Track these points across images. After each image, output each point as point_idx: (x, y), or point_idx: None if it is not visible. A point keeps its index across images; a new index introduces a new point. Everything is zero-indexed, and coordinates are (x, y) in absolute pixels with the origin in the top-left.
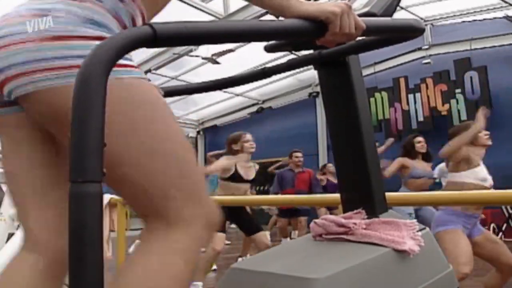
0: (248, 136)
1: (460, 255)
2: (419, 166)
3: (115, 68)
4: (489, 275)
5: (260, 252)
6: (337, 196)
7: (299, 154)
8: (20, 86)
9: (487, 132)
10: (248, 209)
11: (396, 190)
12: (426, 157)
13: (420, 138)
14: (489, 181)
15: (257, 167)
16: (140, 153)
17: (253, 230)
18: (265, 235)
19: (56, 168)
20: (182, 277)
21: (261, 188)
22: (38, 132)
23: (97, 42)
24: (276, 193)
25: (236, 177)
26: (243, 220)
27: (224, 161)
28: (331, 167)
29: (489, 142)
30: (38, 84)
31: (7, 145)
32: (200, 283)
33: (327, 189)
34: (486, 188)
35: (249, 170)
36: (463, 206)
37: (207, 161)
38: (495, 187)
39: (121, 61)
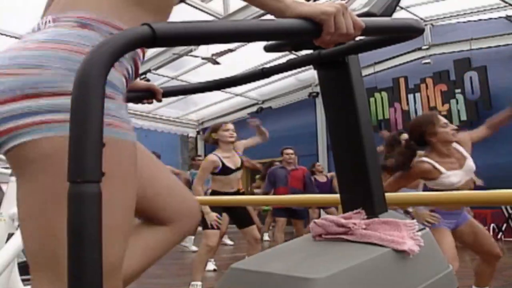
0: (229, 126)
1: (445, 252)
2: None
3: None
4: (480, 270)
5: (250, 245)
6: (336, 196)
7: (289, 151)
8: (5, 142)
9: (453, 127)
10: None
11: None
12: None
13: (405, 135)
14: (464, 179)
15: (238, 143)
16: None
17: (245, 223)
18: (255, 229)
19: None
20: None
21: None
22: None
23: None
24: (267, 193)
25: (226, 171)
26: (237, 212)
27: (198, 185)
28: (319, 166)
29: (453, 138)
30: (20, 138)
31: None
32: (199, 283)
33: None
34: (465, 183)
35: (234, 159)
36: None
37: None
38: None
39: (110, 119)
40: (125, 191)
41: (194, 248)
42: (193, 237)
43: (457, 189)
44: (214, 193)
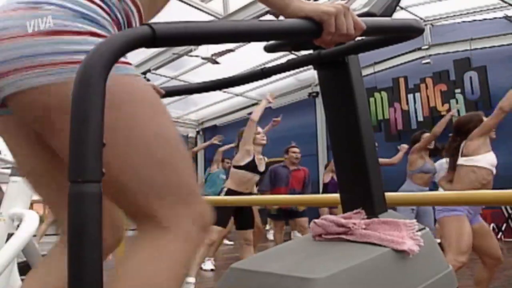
0: (259, 129)
1: (463, 245)
2: (429, 162)
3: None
4: (478, 272)
5: (241, 247)
6: (337, 196)
7: (296, 150)
8: (11, 84)
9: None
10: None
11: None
12: (435, 153)
13: (427, 135)
14: (494, 169)
15: (266, 160)
16: (131, 152)
17: (244, 225)
18: (250, 232)
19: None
20: (175, 278)
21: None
22: (31, 131)
23: (91, 38)
24: (264, 192)
25: (251, 166)
26: (243, 214)
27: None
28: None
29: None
30: (30, 81)
31: (13, 147)
32: (192, 279)
33: (328, 187)
34: (493, 175)
35: (261, 162)
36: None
37: (215, 156)
38: (495, 187)
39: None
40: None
41: None
42: None
43: (485, 187)
44: (229, 191)
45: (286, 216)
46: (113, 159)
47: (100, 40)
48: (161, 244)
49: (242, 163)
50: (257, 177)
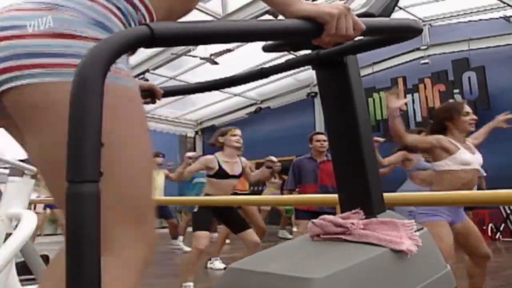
0: (237, 132)
1: (444, 250)
2: (422, 158)
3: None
4: (470, 271)
5: (249, 250)
6: (335, 196)
7: (321, 137)
8: (11, 79)
9: (473, 117)
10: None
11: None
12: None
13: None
14: (475, 164)
15: (246, 162)
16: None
17: (240, 228)
18: (253, 233)
19: None
20: None
21: (256, 188)
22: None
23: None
24: (291, 191)
25: (221, 174)
26: (230, 218)
27: (181, 169)
28: None
29: (471, 128)
30: (29, 79)
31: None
32: (191, 284)
33: None
34: (474, 171)
35: (235, 165)
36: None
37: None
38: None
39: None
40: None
41: (187, 248)
42: (182, 237)
43: (467, 186)
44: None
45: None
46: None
47: None
48: (105, 270)
49: (211, 173)
50: (234, 181)
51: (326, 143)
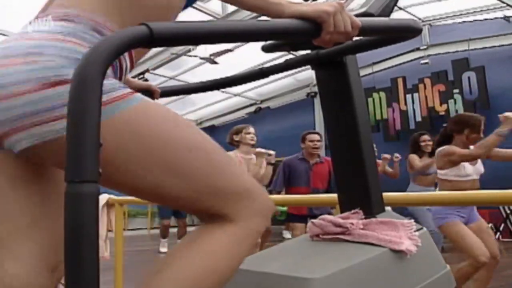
0: (251, 129)
1: (473, 247)
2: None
3: (110, 106)
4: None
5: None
6: (335, 196)
7: (314, 137)
8: (25, 139)
9: (480, 137)
10: None
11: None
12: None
13: (425, 137)
14: (474, 175)
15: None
16: (175, 168)
17: None
18: None
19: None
20: (233, 269)
21: None
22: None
23: None
24: (279, 192)
25: None
26: None
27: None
28: None
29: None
30: (45, 135)
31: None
32: None
33: None
34: (473, 181)
35: (250, 163)
36: None
37: None
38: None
39: (113, 94)
40: (187, 130)
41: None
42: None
43: (465, 188)
44: None
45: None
46: (167, 178)
47: (109, 80)
48: (227, 236)
49: None
50: None
51: (319, 144)
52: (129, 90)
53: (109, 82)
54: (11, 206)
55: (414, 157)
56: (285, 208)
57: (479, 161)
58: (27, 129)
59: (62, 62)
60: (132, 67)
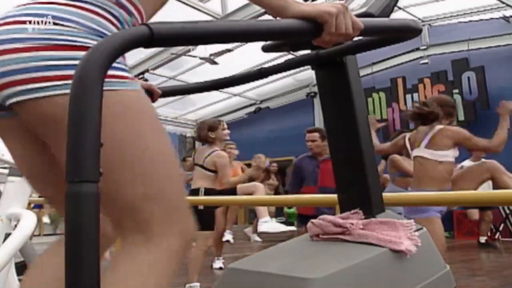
0: (224, 124)
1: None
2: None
3: (108, 79)
4: None
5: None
6: (334, 196)
7: (309, 136)
8: (15, 94)
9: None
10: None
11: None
12: None
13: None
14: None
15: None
16: (122, 166)
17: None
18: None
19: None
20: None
21: None
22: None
23: None
24: (295, 192)
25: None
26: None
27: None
28: None
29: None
30: (33, 93)
31: (14, 149)
32: (197, 284)
33: None
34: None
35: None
36: (438, 187)
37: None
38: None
39: (115, 72)
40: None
41: None
42: None
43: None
44: (208, 191)
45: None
46: (115, 168)
47: None
48: (147, 259)
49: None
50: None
51: (317, 143)
52: (129, 74)
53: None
54: (45, 168)
55: (398, 158)
56: (292, 210)
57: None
58: (17, 85)
59: (72, 29)
60: None
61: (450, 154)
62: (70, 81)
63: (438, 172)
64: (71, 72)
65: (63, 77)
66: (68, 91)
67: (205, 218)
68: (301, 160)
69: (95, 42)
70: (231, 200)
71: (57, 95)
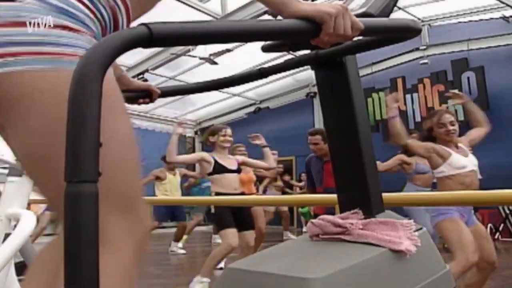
0: (228, 131)
1: (467, 245)
2: (420, 162)
3: (53, 58)
4: (470, 275)
5: (241, 251)
6: (334, 196)
7: (310, 139)
8: None
9: (448, 129)
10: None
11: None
12: None
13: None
14: (470, 166)
15: (242, 157)
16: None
17: (244, 227)
18: (252, 234)
19: None
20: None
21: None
22: None
23: (61, 31)
24: (312, 191)
25: (218, 168)
26: (242, 214)
27: (193, 155)
28: None
29: (449, 138)
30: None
31: None
32: (207, 279)
33: None
34: (472, 173)
35: (230, 162)
36: None
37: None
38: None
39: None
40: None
41: (181, 251)
42: (180, 244)
43: (466, 182)
44: (217, 195)
45: None
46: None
47: (71, 34)
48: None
49: (210, 170)
50: (235, 176)
51: (319, 146)
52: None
53: (72, 34)
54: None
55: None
56: (306, 209)
57: (469, 153)
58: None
59: (38, 7)
60: (128, 23)
61: (445, 169)
62: (22, 58)
63: (445, 189)
64: (27, 48)
65: (16, 54)
66: (20, 67)
67: (223, 217)
68: (309, 159)
69: (54, 19)
70: (231, 200)
71: (13, 72)
